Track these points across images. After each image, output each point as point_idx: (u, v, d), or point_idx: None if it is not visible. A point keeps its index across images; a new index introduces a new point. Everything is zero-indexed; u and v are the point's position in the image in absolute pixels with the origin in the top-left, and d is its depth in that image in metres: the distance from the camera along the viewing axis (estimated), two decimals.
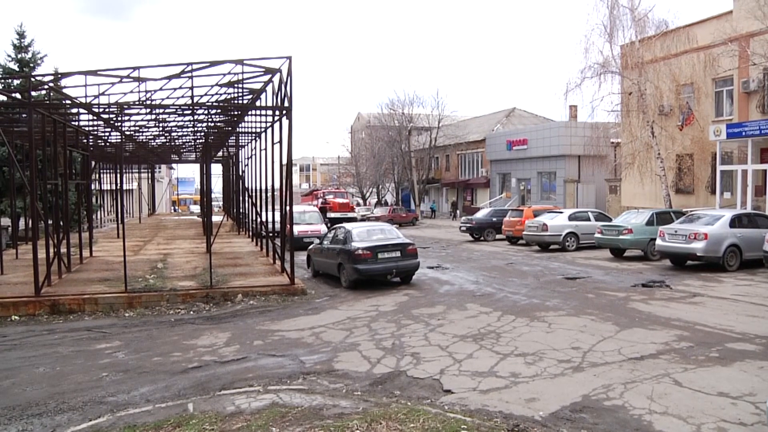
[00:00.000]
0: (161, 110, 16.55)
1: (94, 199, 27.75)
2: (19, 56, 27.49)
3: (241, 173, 26.02)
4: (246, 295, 12.87)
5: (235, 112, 17.50)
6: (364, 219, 38.59)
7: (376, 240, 14.53)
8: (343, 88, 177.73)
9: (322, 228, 23.63)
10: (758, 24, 20.65)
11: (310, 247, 17.38)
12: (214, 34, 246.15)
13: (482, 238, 27.18)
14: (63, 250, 14.73)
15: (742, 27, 21.76)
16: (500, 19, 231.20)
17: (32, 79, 16.21)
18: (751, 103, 22.98)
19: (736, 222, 15.62)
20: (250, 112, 17.19)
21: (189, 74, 13.36)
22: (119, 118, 17.71)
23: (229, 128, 21.10)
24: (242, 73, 14.12)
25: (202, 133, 21.73)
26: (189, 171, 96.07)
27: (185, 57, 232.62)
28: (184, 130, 22.09)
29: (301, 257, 17.79)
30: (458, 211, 47.33)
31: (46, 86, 16.43)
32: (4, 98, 17.16)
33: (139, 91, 14.55)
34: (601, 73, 24.55)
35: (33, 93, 15.49)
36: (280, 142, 14.67)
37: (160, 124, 20.64)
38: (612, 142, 29.45)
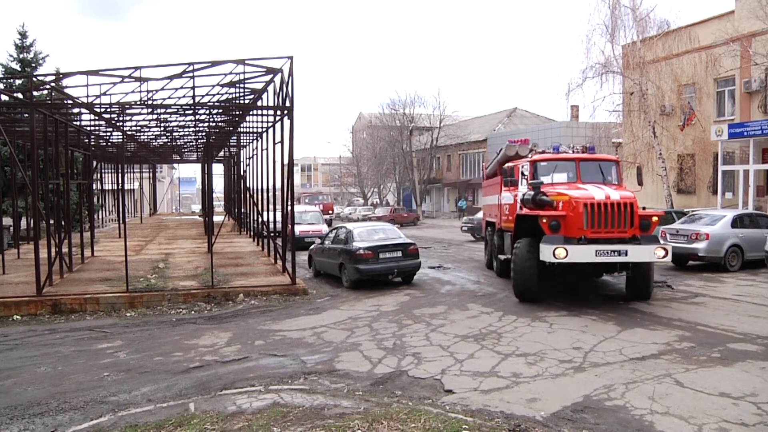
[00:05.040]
0: (163, 110, 16.59)
1: (95, 199, 27.78)
2: (21, 56, 27.51)
3: (242, 173, 26.06)
4: (247, 295, 12.87)
5: (237, 112, 17.51)
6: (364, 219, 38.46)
7: (377, 240, 14.53)
8: (344, 88, 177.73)
9: (323, 228, 23.83)
10: (760, 24, 20.65)
11: (312, 247, 17.40)
12: (214, 34, 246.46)
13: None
14: (64, 249, 14.73)
15: (743, 27, 21.76)
16: (502, 20, 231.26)
17: (34, 79, 16.25)
18: (752, 103, 22.97)
19: (737, 222, 15.60)
20: (251, 112, 17.20)
21: (190, 74, 13.37)
22: (120, 118, 17.73)
23: (231, 128, 21.12)
24: (243, 73, 14.12)
25: (204, 133, 21.73)
26: (190, 171, 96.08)
27: (186, 57, 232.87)
28: (186, 129, 22.12)
29: (302, 257, 17.78)
30: None
31: (47, 86, 16.46)
32: (6, 98, 17.17)
33: (140, 91, 14.59)
34: (603, 73, 24.56)
35: (35, 93, 15.52)
36: (282, 142, 14.68)
37: (162, 124, 20.66)
38: (613, 143, 29.44)
